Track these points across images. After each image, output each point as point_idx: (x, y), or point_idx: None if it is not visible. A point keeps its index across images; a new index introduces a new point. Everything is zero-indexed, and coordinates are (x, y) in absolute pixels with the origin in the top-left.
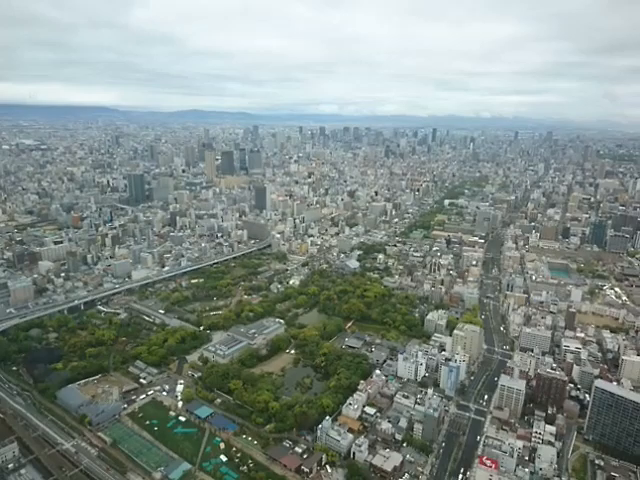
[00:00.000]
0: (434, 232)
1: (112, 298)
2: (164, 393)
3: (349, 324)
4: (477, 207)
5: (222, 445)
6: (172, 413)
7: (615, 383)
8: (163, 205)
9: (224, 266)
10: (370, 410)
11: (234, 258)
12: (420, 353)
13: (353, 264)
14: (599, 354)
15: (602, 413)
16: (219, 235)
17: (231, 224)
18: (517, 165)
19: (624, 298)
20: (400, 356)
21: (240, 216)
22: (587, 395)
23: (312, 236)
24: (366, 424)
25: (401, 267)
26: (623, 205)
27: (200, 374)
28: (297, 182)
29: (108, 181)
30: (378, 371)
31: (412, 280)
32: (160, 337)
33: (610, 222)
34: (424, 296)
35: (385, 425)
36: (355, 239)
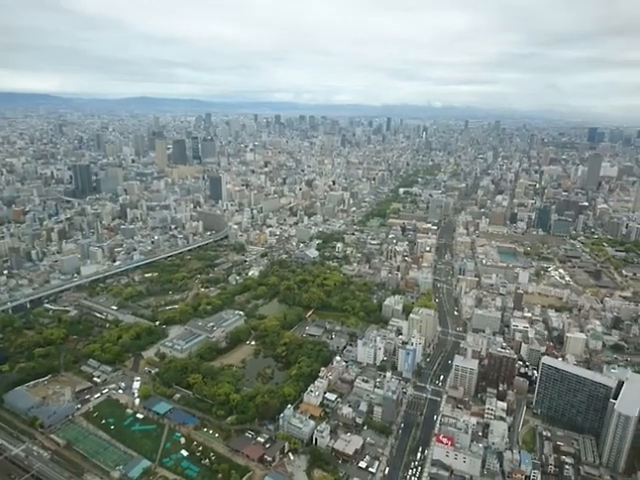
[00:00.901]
0: (390, 220)
1: (60, 295)
2: (120, 391)
3: (309, 313)
4: (430, 195)
5: (182, 440)
6: (129, 411)
7: (560, 359)
8: (112, 197)
9: (179, 259)
10: (331, 396)
11: (189, 250)
12: (378, 338)
13: (312, 253)
14: (545, 332)
15: (549, 388)
16: (173, 227)
17: (185, 215)
18: (467, 153)
19: (567, 279)
20: (359, 342)
21: (195, 207)
22: (535, 371)
23: (271, 226)
24: (327, 410)
25: (359, 255)
26: (566, 191)
27: (157, 370)
28: (253, 171)
29: (52, 172)
30: (338, 357)
31: (370, 267)
32: (114, 334)
33: (554, 207)
34: (381, 282)
35: (346, 410)
36: (314, 228)
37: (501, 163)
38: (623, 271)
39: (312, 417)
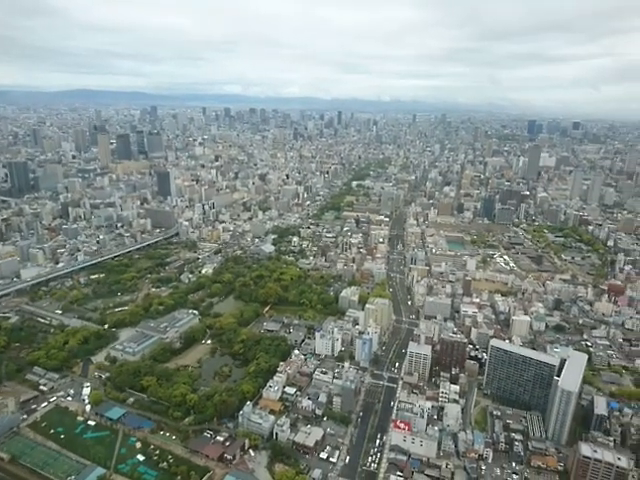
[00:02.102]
0: (344, 213)
1: None
2: (69, 398)
3: (267, 308)
4: (382, 188)
5: (138, 444)
6: (80, 418)
7: (507, 341)
8: (52, 195)
9: (127, 258)
10: (290, 390)
11: (138, 249)
12: (336, 329)
13: (268, 248)
14: (493, 316)
15: (497, 369)
16: (119, 225)
17: (132, 213)
18: (416, 146)
19: (511, 264)
20: (317, 334)
21: (142, 204)
22: (485, 354)
23: (224, 222)
24: (287, 404)
25: (315, 248)
26: (508, 181)
27: (108, 374)
28: (204, 166)
29: None
30: (297, 351)
31: (326, 260)
32: (59, 339)
33: (498, 197)
34: (338, 275)
35: (305, 402)
36: (269, 223)
37: (448, 155)
38: (562, 255)
39: (272, 412)
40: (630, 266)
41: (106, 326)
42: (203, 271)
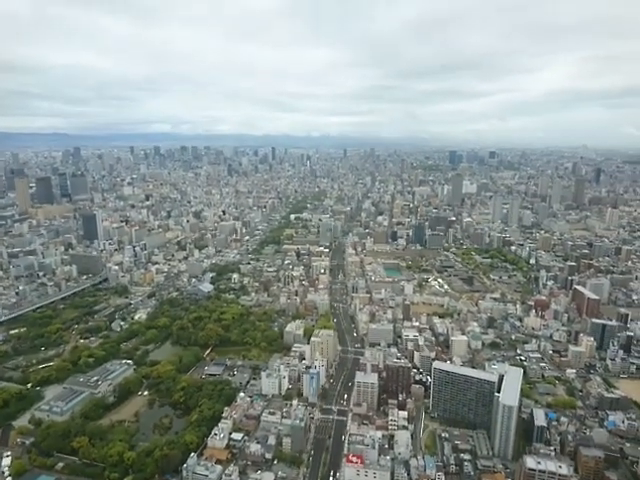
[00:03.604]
0: (284, 246)
1: None
2: None
3: (208, 351)
4: (320, 219)
5: None
6: None
7: (448, 362)
8: None
9: (51, 309)
10: (237, 435)
11: (63, 299)
12: (282, 366)
13: (206, 287)
14: (433, 338)
15: (442, 391)
16: (41, 274)
17: (55, 260)
18: (349, 179)
19: (445, 287)
20: (263, 374)
21: (66, 249)
22: (429, 377)
23: (157, 263)
24: (235, 451)
25: (257, 284)
26: (436, 208)
27: (33, 439)
28: (133, 206)
29: None
30: (242, 394)
31: (269, 295)
32: None
33: (427, 223)
34: (281, 309)
35: (254, 447)
36: (206, 261)
37: (378, 187)
38: (490, 275)
39: (219, 462)
40: (552, 281)
41: (29, 385)
42: (136, 317)
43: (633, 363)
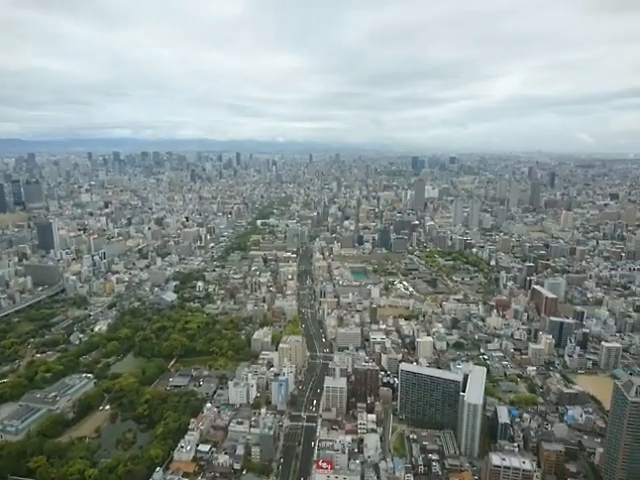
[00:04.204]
0: (251, 252)
1: None
2: None
3: (172, 362)
4: (287, 225)
5: None
6: None
7: (415, 363)
8: None
9: (4, 323)
10: (204, 447)
11: (17, 312)
12: (250, 375)
13: (170, 297)
14: (399, 340)
15: (409, 392)
16: None
17: (8, 271)
18: (315, 185)
19: (410, 289)
20: (230, 383)
21: (20, 260)
22: (396, 379)
23: (117, 272)
24: (202, 463)
25: (222, 291)
26: (400, 212)
27: None
28: (92, 214)
29: None
30: (209, 404)
31: (235, 303)
32: None
33: (392, 227)
34: (248, 316)
35: (222, 458)
36: (169, 269)
37: (344, 192)
38: (453, 277)
39: (185, 475)
40: (512, 282)
41: None
42: (96, 329)
43: (589, 359)
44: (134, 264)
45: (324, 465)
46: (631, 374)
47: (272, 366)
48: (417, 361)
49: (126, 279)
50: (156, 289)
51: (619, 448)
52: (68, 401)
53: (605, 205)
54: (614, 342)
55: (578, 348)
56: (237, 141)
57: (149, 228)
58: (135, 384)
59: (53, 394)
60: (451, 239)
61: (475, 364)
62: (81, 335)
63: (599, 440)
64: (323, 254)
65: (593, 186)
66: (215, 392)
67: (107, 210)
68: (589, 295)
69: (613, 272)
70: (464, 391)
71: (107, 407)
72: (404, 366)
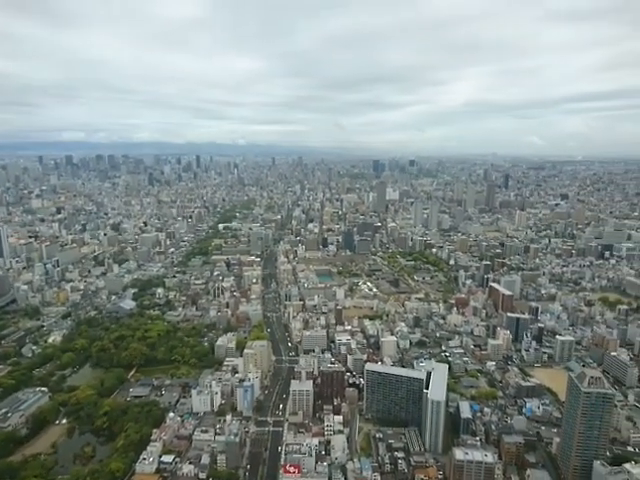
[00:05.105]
0: (213, 257)
1: None
2: None
3: (132, 372)
4: (250, 228)
5: None
6: None
7: (380, 362)
8: None
9: None
10: (168, 458)
11: None
12: (214, 382)
13: (128, 304)
14: (364, 341)
15: (374, 392)
16: None
17: None
18: (278, 187)
19: (374, 290)
20: (193, 391)
21: None
22: (361, 379)
23: (72, 281)
24: (165, 474)
25: (184, 298)
26: (362, 215)
27: None
28: (43, 220)
29: None
30: (172, 414)
31: (197, 309)
32: None
33: (355, 229)
34: (211, 323)
35: (187, 468)
36: (127, 276)
37: (308, 195)
38: (415, 277)
39: None
40: (470, 280)
41: None
42: (50, 340)
43: (545, 352)
44: (89, 272)
45: (291, 469)
46: (584, 366)
47: (237, 372)
48: (382, 360)
49: (81, 287)
50: (113, 297)
51: (574, 437)
52: (21, 417)
53: (556, 205)
54: (567, 336)
55: (534, 342)
56: (197, 144)
57: (105, 234)
58: (93, 396)
59: (4, 410)
60: (412, 240)
61: (437, 361)
62: (34, 347)
63: (556, 430)
64: (288, 257)
65: (544, 187)
66: (178, 401)
67: (60, 216)
68: (543, 291)
69: (565, 269)
70: (427, 388)
71: (64, 421)
72: (369, 366)
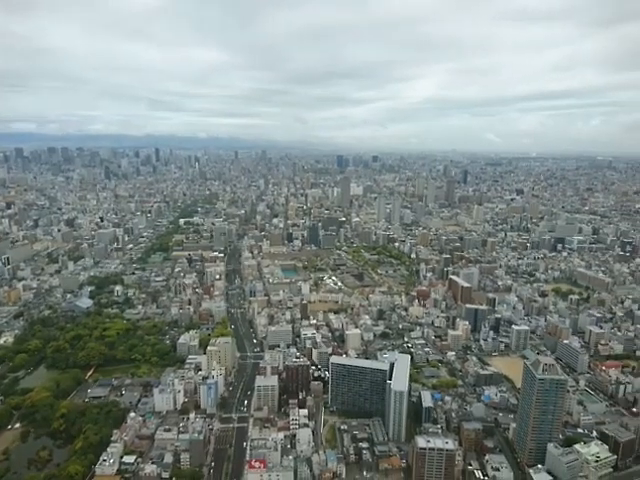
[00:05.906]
0: (174, 253)
1: None
2: None
3: (90, 372)
4: (212, 223)
5: None
6: None
7: (344, 355)
8: None
9: None
10: (129, 458)
11: None
12: (176, 380)
13: (85, 303)
14: (329, 334)
15: (339, 384)
16: None
17: None
18: (241, 182)
19: (339, 284)
20: (155, 390)
21: None
22: (327, 372)
23: (24, 279)
24: (127, 475)
25: (144, 295)
26: (327, 209)
27: None
28: None
29: None
30: (132, 413)
31: (158, 307)
32: None
33: (320, 224)
34: (173, 320)
35: (149, 468)
36: (83, 274)
37: (272, 189)
38: (378, 270)
39: None
40: (431, 273)
41: None
42: (1, 341)
43: (502, 342)
44: (43, 269)
45: (256, 464)
46: (538, 354)
47: (200, 370)
48: (347, 353)
49: (34, 286)
50: (69, 295)
51: (529, 421)
52: None
53: (512, 200)
54: (523, 325)
55: (492, 332)
56: (155, 136)
57: (59, 230)
58: (49, 398)
59: None
60: (375, 234)
61: (400, 352)
62: None
63: (512, 416)
64: (252, 252)
65: (501, 182)
66: (139, 400)
67: (10, 211)
68: (500, 283)
69: (520, 261)
70: (390, 379)
71: (17, 425)
72: (334, 359)
